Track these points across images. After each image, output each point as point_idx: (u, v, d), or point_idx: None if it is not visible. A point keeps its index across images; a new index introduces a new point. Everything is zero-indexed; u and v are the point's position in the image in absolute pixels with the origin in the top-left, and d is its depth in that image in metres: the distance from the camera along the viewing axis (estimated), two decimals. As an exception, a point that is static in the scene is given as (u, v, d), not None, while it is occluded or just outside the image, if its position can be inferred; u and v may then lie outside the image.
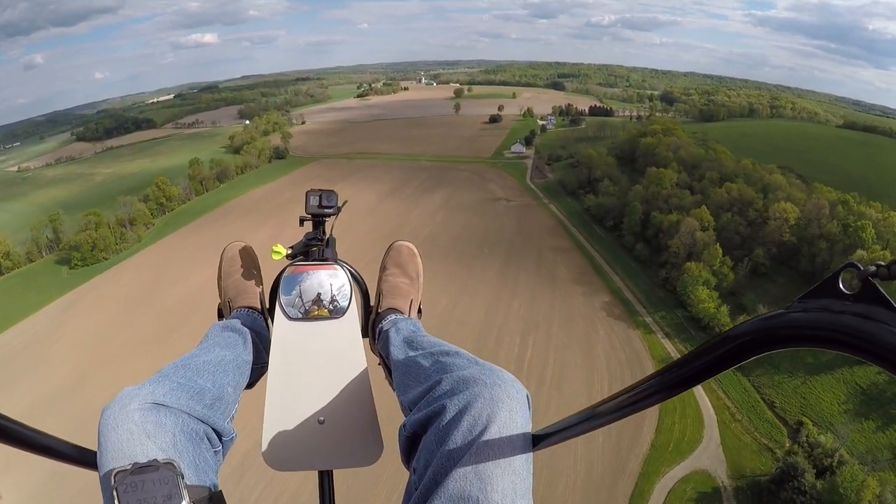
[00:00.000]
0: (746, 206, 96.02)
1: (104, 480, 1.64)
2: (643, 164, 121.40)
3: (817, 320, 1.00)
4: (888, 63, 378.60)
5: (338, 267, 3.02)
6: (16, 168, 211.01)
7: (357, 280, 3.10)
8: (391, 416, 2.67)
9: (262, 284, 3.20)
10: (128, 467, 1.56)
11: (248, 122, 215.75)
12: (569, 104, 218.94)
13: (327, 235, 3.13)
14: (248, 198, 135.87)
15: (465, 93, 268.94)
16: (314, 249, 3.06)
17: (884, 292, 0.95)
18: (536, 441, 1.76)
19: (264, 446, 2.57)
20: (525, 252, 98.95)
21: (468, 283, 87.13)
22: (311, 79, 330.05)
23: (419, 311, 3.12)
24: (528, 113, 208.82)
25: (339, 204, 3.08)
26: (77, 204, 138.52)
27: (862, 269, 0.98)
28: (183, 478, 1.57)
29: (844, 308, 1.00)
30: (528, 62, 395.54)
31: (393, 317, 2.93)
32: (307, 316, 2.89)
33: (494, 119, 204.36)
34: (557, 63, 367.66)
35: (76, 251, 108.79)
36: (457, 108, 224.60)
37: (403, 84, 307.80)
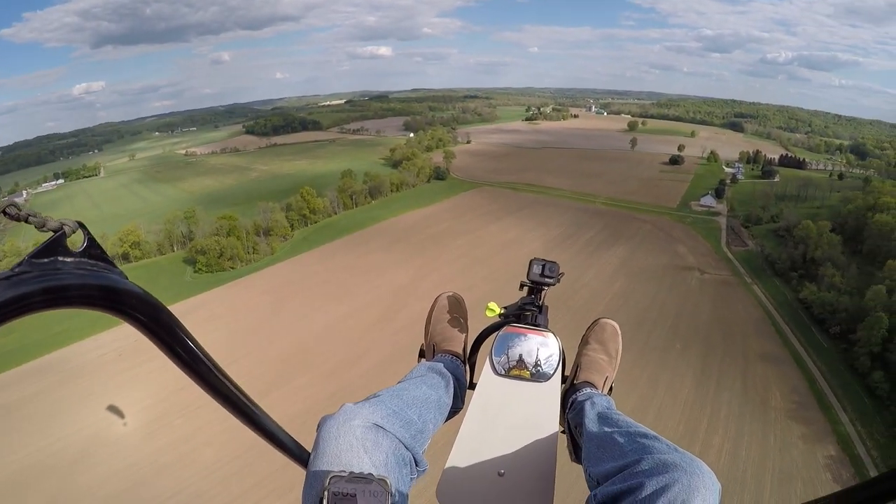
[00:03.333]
0: None
1: (314, 479, 1.76)
2: (873, 250, 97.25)
3: None
4: None
5: (550, 335, 3.10)
6: (184, 152, 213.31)
7: (560, 350, 3.12)
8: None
9: (467, 333, 3.37)
10: (344, 473, 1.63)
11: (412, 134, 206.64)
12: (756, 151, 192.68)
13: (542, 302, 3.20)
14: (398, 221, 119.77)
15: (640, 126, 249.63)
16: (528, 314, 3.15)
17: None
18: None
19: (441, 483, 2.64)
20: (728, 356, 75.18)
21: (654, 396, 65.94)
22: (480, 97, 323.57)
23: (611, 388, 3.18)
24: (713, 157, 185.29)
25: (559, 274, 3.18)
26: (225, 198, 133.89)
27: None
28: (391, 496, 1.62)
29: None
30: (700, 97, 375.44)
31: (588, 390, 3.01)
32: (510, 374, 3.00)
33: (675, 160, 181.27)
34: (733, 101, 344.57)
35: (202, 255, 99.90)
36: (633, 143, 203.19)
37: (573, 111, 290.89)
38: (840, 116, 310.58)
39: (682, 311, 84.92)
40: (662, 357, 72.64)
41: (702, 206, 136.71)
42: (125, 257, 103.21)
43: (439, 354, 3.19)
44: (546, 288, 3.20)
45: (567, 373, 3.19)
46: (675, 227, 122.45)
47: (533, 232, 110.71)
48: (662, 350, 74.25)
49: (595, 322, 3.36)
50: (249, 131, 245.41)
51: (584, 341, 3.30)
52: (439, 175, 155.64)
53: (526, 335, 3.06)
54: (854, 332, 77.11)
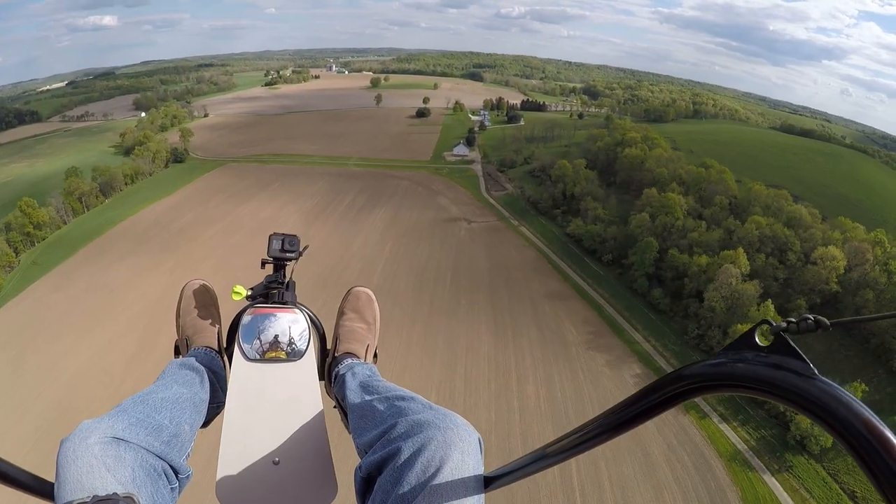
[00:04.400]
0: (782, 247, 76.48)
1: None
2: (625, 181, 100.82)
3: (745, 371, 1.12)
4: (785, 61, 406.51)
5: (297, 311, 3.01)
6: None
7: (315, 324, 3.09)
8: (346, 459, 2.71)
9: (220, 324, 3.19)
10: (87, 500, 1.55)
11: (143, 114, 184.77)
12: (499, 98, 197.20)
13: (288, 279, 3.11)
14: (139, 219, 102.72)
15: (382, 82, 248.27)
16: (274, 292, 3.05)
17: (793, 344, 1.09)
18: (488, 482, 1.81)
19: (218, 486, 2.56)
20: (515, 303, 72.50)
21: (457, 359, 61.59)
22: (215, 65, 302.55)
23: (375, 355, 3.18)
24: (459, 107, 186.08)
25: (301, 248, 3.08)
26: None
27: (774, 325, 1.12)
28: None
29: (760, 359, 1.13)
30: (439, 51, 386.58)
31: (349, 361, 2.96)
32: (265, 357, 2.89)
33: (422, 113, 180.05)
34: (472, 53, 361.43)
35: None
36: (378, 99, 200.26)
37: (314, 72, 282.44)
38: (570, 63, 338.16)
39: (458, 265, 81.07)
40: (452, 317, 69.00)
41: (455, 155, 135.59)
42: None
43: (193, 349, 2.98)
44: (290, 263, 3.06)
45: (329, 346, 3.16)
46: (433, 179, 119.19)
47: (289, 206, 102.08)
48: (450, 310, 70.49)
49: (348, 292, 3.27)
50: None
51: (340, 312, 3.22)
52: (178, 157, 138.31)
53: (275, 314, 2.94)
54: (626, 258, 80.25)
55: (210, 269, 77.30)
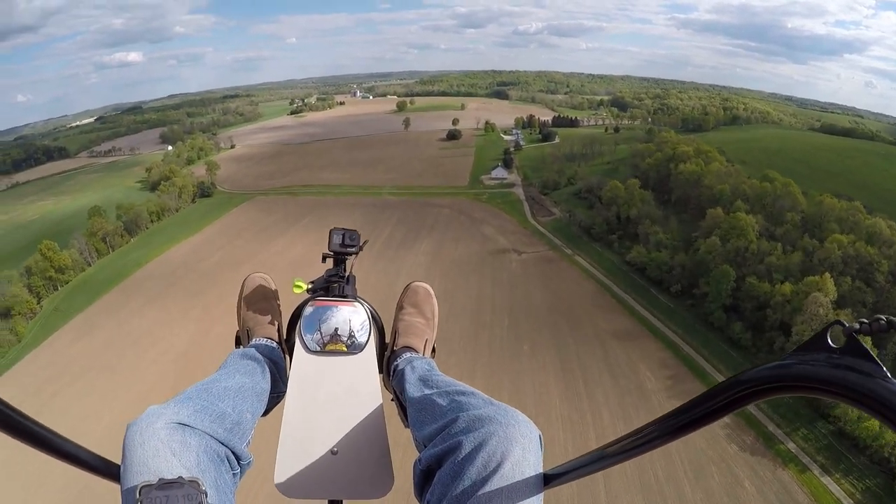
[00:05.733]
0: (867, 267, 68.26)
1: (127, 494, 1.68)
2: (681, 199, 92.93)
3: (816, 372, 1.09)
4: (806, 58, 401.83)
5: (358, 304, 3.05)
6: None
7: (374, 318, 3.11)
8: (402, 452, 2.83)
9: (280, 316, 3.23)
10: (154, 482, 1.58)
11: (170, 147, 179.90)
12: (530, 115, 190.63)
13: (348, 273, 3.16)
14: (165, 260, 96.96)
15: (409, 105, 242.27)
16: (335, 286, 3.08)
17: (866, 346, 1.06)
18: (548, 480, 1.82)
19: (277, 473, 2.60)
20: (582, 345, 64.54)
21: (525, 409, 50.67)
22: (241, 96, 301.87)
23: (433, 350, 3.16)
24: (490, 127, 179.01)
25: (361, 243, 3.14)
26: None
27: (847, 325, 1.08)
28: (206, 496, 1.60)
29: (835, 361, 1.09)
30: (461, 71, 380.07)
31: (408, 355, 2.96)
32: (325, 350, 2.94)
33: (453, 135, 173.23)
34: (494, 72, 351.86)
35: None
36: (406, 123, 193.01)
37: (339, 98, 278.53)
38: (593, 75, 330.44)
39: (514, 303, 73.96)
40: (515, 365, 61.78)
41: (494, 178, 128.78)
42: None
43: (254, 339, 3.03)
44: (351, 257, 3.13)
45: (387, 340, 3.16)
46: (474, 206, 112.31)
47: (322, 243, 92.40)
48: (512, 357, 63.25)
49: (407, 287, 3.28)
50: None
51: (399, 307, 3.22)
52: (204, 191, 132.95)
53: (336, 307, 2.97)
54: (697, 287, 72.79)
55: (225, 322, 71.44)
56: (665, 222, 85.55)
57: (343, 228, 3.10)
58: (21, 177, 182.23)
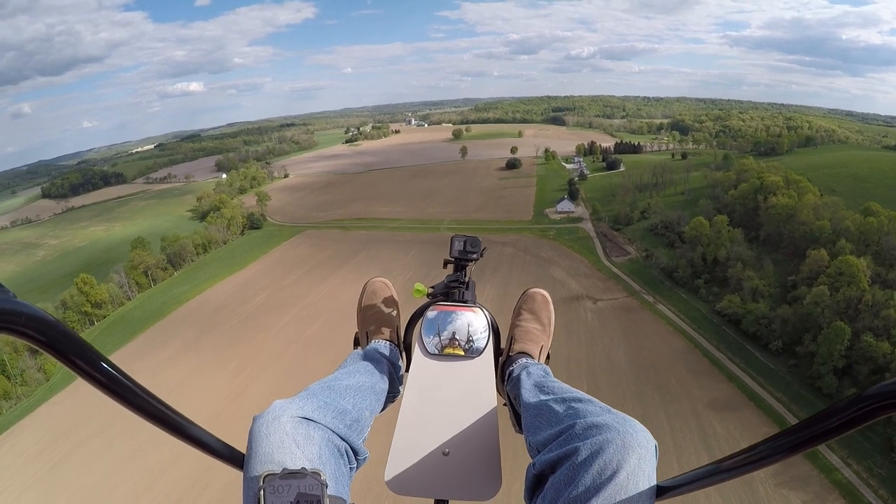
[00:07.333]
0: None
1: (251, 481, 1.74)
2: (772, 236, 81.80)
3: None
4: (862, 70, 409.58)
5: (478, 309, 3.07)
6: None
7: (492, 324, 3.11)
8: (512, 456, 2.96)
9: (399, 319, 3.28)
10: (278, 471, 1.65)
11: (224, 175, 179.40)
12: (591, 142, 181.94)
13: (468, 279, 3.19)
14: (206, 299, 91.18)
15: (465, 133, 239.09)
16: (454, 291, 3.12)
17: None
18: (661, 492, 1.79)
19: (389, 469, 2.62)
20: (675, 419, 54.34)
21: None
22: (297, 124, 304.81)
23: (548, 356, 3.14)
24: (551, 155, 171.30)
25: (482, 249, 3.15)
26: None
27: None
28: (326, 487, 1.65)
29: None
30: (515, 98, 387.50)
31: (524, 360, 2.93)
32: (444, 353, 2.96)
33: (512, 164, 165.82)
34: (548, 97, 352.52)
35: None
36: (463, 151, 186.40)
37: (393, 126, 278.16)
38: (648, 98, 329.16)
39: (592, 362, 63.84)
40: None
41: (560, 212, 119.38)
42: None
43: (373, 340, 3.07)
44: (471, 263, 3.16)
45: (503, 346, 3.14)
46: (541, 244, 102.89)
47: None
48: None
49: (524, 293, 3.25)
50: (45, 195, 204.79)
51: (517, 312, 3.20)
52: (254, 223, 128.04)
53: (456, 312, 3.00)
54: (800, 344, 61.79)
55: (279, 374, 65.20)
56: (758, 264, 74.99)
57: (464, 235, 3.12)
58: (77, 201, 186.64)
